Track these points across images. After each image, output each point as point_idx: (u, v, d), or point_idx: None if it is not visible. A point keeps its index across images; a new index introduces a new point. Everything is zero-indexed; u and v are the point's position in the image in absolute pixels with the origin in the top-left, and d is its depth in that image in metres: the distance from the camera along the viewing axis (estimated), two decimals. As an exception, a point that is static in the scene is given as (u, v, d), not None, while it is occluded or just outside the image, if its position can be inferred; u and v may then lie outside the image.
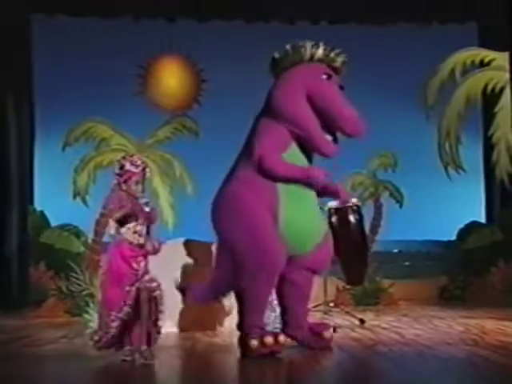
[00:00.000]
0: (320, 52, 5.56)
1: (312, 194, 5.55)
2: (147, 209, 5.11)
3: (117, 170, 5.16)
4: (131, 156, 5.32)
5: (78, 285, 8.48)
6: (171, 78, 11.30)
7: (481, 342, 5.97)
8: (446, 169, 9.09)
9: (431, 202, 10.43)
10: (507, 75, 8.11)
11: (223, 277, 5.39)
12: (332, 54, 5.60)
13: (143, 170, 5.20)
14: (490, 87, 8.28)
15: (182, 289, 5.49)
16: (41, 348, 6.05)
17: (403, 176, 10.29)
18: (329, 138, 5.49)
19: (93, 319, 6.71)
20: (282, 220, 5.29)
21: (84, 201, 9.53)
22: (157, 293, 5.01)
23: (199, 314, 6.69)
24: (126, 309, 4.94)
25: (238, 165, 5.55)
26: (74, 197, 9.49)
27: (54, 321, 8.05)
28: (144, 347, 4.98)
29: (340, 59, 5.62)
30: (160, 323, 5.10)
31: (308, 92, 5.44)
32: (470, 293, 10.11)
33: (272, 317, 6.43)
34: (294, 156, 5.44)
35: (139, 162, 5.19)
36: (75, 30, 11.08)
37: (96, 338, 5.11)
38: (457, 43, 11.10)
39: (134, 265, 4.98)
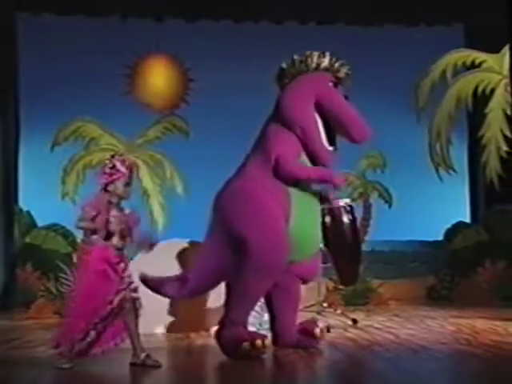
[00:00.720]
0: (326, 61, 5.67)
1: (317, 201, 5.59)
2: (127, 211, 4.98)
3: (107, 170, 5.00)
4: (121, 155, 5.23)
5: (68, 285, 8.39)
6: (158, 78, 11.26)
7: (474, 342, 6.01)
8: (436, 169, 9.15)
9: (418, 202, 10.48)
10: (498, 77, 8.19)
11: (212, 272, 5.37)
12: (337, 65, 5.71)
13: (131, 171, 5.08)
14: (480, 89, 8.34)
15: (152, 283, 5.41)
16: (33, 350, 5.98)
17: (391, 176, 10.35)
18: (330, 148, 5.60)
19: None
20: (292, 223, 5.31)
21: (73, 201, 9.44)
22: (138, 299, 4.94)
23: (190, 314, 6.69)
24: (109, 317, 4.81)
25: (248, 165, 5.53)
26: (63, 197, 9.42)
27: (43, 322, 7.96)
28: (144, 353, 4.90)
29: (344, 70, 5.74)
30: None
31: (317, 98, 5.55)
32: (456, 293, 10.19)
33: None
34: (304, 162, 5.55)
35: (127, 163, 5.07)
36: (61, 29, 10.99)
37: (63, 348, 4.85)
38: (443, 44, 11.25)
39: (120, 272, 4.86)
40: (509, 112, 8.11)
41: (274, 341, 5.59)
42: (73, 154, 9.63)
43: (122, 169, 4.98)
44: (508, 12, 6.01)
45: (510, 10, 5.98)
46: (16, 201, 10.02)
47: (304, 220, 5.39)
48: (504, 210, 10.22)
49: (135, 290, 4.94)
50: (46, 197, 9.71)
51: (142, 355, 4.89)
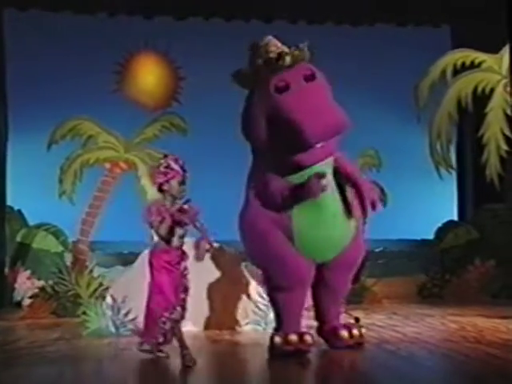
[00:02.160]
0: (260, 61, 5.22)
1: (330, 199, 5.37)
2: (185, 207, 4.97)
3: (162, 169, 4.99)
4: (173, 155, 5.15)
5: (64, 285, 8.28)
6: (149, 76, 11.21)
7: (482, 340, 6.04)
8: (437, 168, 9.20)
9: (409, 201, 10.56)
10: (497, 77, 8.27)
11: None
12: (280, 62, 5.14)
13: (185, 170, 5.09)
14: (480, 88, 8.42)
15: None
16: (43, 349, 5.88)
17: (382, 176, 10.39)
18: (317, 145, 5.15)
19: (92, 320, 6.62)
20: (296, 234, 5.29)
21: (70, 199, 9.32)
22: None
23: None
24: (179, 310, 4.93)
25: (249, 190, 5.51)
26: (60, 196, 9.28)
27: (41, 322, 7.85)
28: (186, 350, 4.90)
29: (288, 58, 5.16)
30: None
31: (266, 116, 5.14)
32: (447, 290, 10.30)
33: None
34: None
35: (181, 162, 5.08)
36: (49, 26, 10.88)
37: (147, 345, 5.04)
38: (431, 44, 11.38)
39: (183, 270, 4.96)
40: (508, 112, 8.20)
41: (319, 332, 5.65)
42: (68, 152, 9.46)
43: (176, 167, 5.01)
44: (508, 12, 6.05)
45: (510, 11, 6.02)
46: (4, 200, 9.86)
47: (308, 226, 5.28)
48: (494, 209, 10.35)
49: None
50: (38, 196, 9.57)
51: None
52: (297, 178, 5.19)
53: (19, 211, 9.74)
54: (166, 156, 5.13)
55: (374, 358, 5.35)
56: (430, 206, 10.99)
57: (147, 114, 10.27)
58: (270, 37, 5.33)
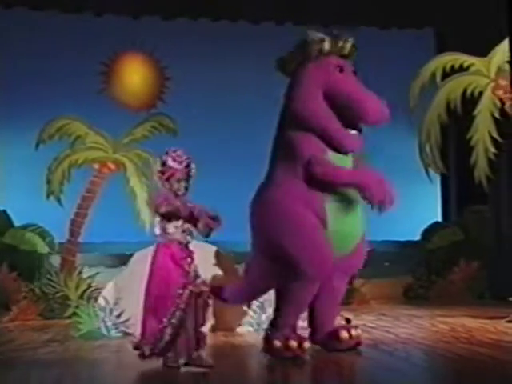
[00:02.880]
0: (326, 46, 5.42)
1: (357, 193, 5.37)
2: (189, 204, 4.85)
3: (158, 167, 4.85)
4: (174, 151, 4.90)
5: (52, 287, 8.21)
6: (134, 76, 11.15)
7: (473, 341, 6.09)
8: (426, 170, 9.27)
9: (396, 203, 10.59)
10: (485, 80, 8.36)
11: (261, 279, 5.39)
12: (340, 43, 5.45)
13: (187, 166, 4.89)
14: (469, 91, 8.51)
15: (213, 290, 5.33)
16: (35, 352, 5.84)
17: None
18: (352, 132, 5.39)
19: (85, 322, 6.58)
20: (329, 223, 5.22)
21: (58, 200, 9.23)
22: (209, 297, 4.85)
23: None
24: (179, 313, 4.68)
25: (276, 172, 5.44)
26: (48, 196, 9.19)
27: (29, 324, 7.80)
28: (196, 353, 4.78)
29: (348, 45, 5.49)
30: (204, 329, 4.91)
31: (324, 89, 5.35)
32: (433, 291, 10.34)
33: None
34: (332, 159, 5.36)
35: (183, 158, 4.87)
36: (34, 24, 10.77)
37: (146, 348, 4.74)
38: (414, 46, 11.47)
39: (186, 266, 4.74)
40: (496, 114, 8.30)
41: (312, 336, 5.58)
42: (56, 152, 9.37)
43: (174, 165, 4.82)
44: (508, 12, 6.11)
45: (510, 11, 6.08)
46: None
47: (341, 216, 5.27)
48: (479, 211, 10.44)
49: (204, 283, 4.83)
50: (25, 196, 9.48)
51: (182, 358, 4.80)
52: (338, 160, 5.32)
53: (4, 212, 9.62)
54: (167, 152, 4.90)
55: (373, 359, 5.36)
56: (415, 207, 11.05)
57: (135, 115, 10.19)
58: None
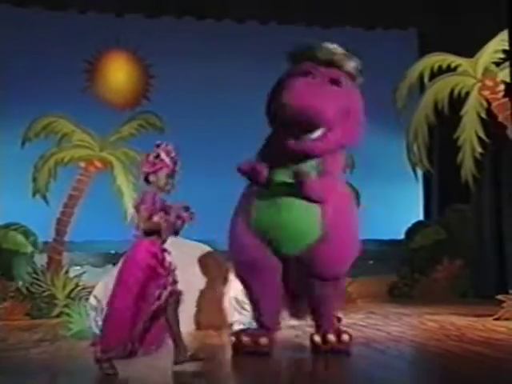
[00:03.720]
0: (332, 57, 5.54)
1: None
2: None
3: (150, 158, 4.76)
4: (166, 145, 4.85)
5: (39, 286, 8.13)
6: (119, 74, 11.08)
7: (464, 338, 6.16)
8: (413, 169, 9.34)
9: (380, 202, 10.66)
10: (472, 80, 8.44)
11: None
12: (345, 60, 5.59)
13: (175, 163, 4.83)
14: (456, 91, 8.58)
15: None
16: (28, 352, 5.78)
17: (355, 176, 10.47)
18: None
19: (75, 321, 6.53)
20: (254, 221, 5.46)
21: (44, 198, 9.13)
22: (180, 293, 4.80)
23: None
24: (153, 308, 4.60)
25: None
26: (34, 194, 9.09)
27: (16, 324, 7.70)
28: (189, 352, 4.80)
29: (351, 64, 5.63)
30: None
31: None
32: (416, 290, 10.42)
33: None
34: None
35: (173, 154, 4.82)
36: (18, 21, 10.65)
37: (114, 351, 4.57)
38: (398, 47, 11.55)
39: (167, 265, 4.68)
40: (483, 115, 8.38)
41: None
42: (42, 150, 9.27)
43: (167, 159, 4.77)
44: (508, 12, 6.17)
45: (510, 11, 6.14)
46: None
47: (265, 212, 5.43)
48: (461, 210, 10.53)
49: (176, 282, 4.78)
50: (11, 194, 9.36)
51: (187, 354, 4.78)
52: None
53: (-13, 210, 9.53)
54: (158, 145, 4.83)
55: (367, 357, 5.39)
56: (397, 206, 11.13)
57: (120, 113, 10.12)
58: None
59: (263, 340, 5.41)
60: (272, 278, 5.53)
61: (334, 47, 5.58)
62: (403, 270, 10.62)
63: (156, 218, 4.64)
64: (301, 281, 5.53)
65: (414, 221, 11.15)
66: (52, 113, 9.34)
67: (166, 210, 4.73)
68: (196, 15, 11.35)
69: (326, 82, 5.41)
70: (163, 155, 4.75)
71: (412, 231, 10.93)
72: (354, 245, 5.65)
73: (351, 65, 5.65)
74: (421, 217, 11.79)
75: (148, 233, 4.67)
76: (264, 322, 5.59)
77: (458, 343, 5.90)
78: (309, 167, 5.41)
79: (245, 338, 5.41)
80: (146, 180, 4.80)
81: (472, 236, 10.22)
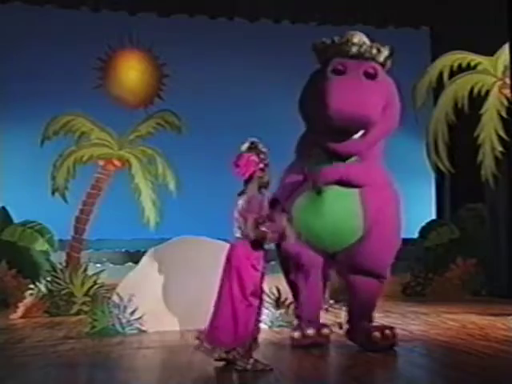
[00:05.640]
0: (357, 50, 5.46)
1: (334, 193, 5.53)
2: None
3: (254, 158, 4.70)
4: (260, 143, 4.80)
5: (58, 284, 8.11)
6: (132, 72, 11.11)
7: (488, 337, 6.15)
8: (434, 169, 9.31)
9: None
10: (492, 79, 8.42)
11: None
12: (374, 51, 5.53)
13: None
14: (476, 90, 8.56)
15: None
16: (55, 348, 5.78)
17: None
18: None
19: (99, 319, 6.50)
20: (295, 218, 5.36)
21: (63, 196, 9.12)
22: None
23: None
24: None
25: None
26: (53, 193, 9.08)
27: (37, 321, 7.68)
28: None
29: (354, 48, 5.45)
30: None
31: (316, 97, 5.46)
32: (430, 289, 10.42)
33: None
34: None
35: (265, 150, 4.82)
36: (30, 19, 10.67)
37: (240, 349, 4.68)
38: (410, 45, 11.53)
39: (258, 264, 4.72)
40: (503, 113, 8.36)
41: (347, 333, 5.77)
42: (60, 149, 9.27)
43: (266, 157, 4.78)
44: (508, 12, 6.16)
45: (510, 11, 6.13)
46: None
47: (308, 214, 5.46)
48: (475, 209, 10.52)
49: None
50: (30, 192, 9.39)
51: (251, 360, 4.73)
52: None
53: (3, 208, 9.53)
54: (254, 143, 4.77)
55: (399, 355, 5.41)
56: (410, 205, 11.09)
57: (135, 111, 10.15)
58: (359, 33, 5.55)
59: (325, 331, 5.62)
60: (315, 275, 5.64)
61: (359, 39, 5.49)
62: (417, 268, 10.62)
63: (263, 228, 4.65)
64: (343, 278, 5.62)
65: (427, 220, 11.14)
66: (70, 111, 9.31)
67: (271, 217, 4.71)
68: (209, 14, 11.39)
69: (361, 77, 5.38)
70: (266, 152, 4.77)
71: (426, 230, 10.92)
72: (396, 239, 5.87)
73: (383, 55, 5.60)
74: (433, 216, 11.80)
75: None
76: (308, 318, 5.67)
77: (485, 342, 5.88)
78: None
79: (309, 331, 5.52)
80: (246, 180, 4.76)
81: (486, 235, 10.22)
